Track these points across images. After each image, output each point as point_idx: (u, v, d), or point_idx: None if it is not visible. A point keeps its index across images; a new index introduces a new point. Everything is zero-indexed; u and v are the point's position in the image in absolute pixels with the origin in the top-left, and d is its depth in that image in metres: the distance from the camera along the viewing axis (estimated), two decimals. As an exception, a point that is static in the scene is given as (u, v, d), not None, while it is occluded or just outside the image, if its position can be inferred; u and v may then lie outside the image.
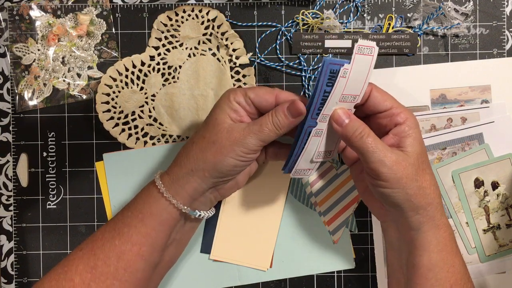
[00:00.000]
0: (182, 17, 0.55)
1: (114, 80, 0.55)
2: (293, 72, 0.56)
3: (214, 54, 0.56)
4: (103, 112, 0.55)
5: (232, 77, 0.56)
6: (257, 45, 0.56)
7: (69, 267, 0.44)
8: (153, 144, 0.56)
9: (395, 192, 0.43)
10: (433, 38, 0.56)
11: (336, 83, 0.42)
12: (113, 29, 0.56)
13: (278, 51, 0.56)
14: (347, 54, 0.55)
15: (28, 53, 0.56)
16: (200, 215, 0.47)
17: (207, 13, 0.55)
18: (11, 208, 0.57)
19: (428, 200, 0.43)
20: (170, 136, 0.56)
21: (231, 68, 0.56)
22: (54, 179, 0.57)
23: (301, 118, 0.44)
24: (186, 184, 0.45)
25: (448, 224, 0.45)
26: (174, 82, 0.56)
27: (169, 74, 0.56)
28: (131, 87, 0.56)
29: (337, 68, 0.42)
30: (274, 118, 0.44)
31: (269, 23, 0.56)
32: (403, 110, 0.45)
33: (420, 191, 0.43)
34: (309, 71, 0.56)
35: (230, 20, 0.56)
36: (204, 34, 0.56)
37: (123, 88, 0.56)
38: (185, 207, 0.46)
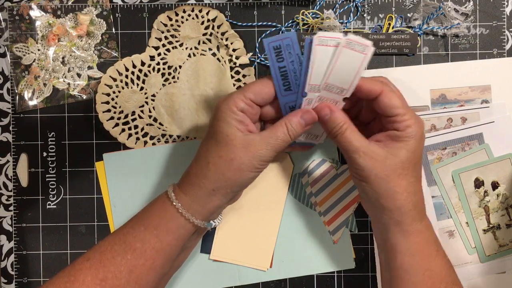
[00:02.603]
0: (182, 17, 0.55)
1: (114, 80, 0.55)
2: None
3: (214, 54, 0.56)
4: (103, 112, 0.55)
5: (232, 77, 0.56)
6: (257, 45, 0.56)
7: (76, 277, 0.43)
8: (153, 144, 0.56)
9: (365, 186, 0.44)
10: (433, 38, 0.56)
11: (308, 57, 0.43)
12: (113, 29, 0.56)
13: (278, 51, 0.56)
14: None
15: (28, 53, 0.56)
16: (214, 225, 0.48)
17: (207, 13, 0.55)
18: (11, 208, 0.57)
19: (396, 204, 0.43)
20: (170, 136, 0.56)
21: (231, 68, 0.56)
22: (54, 179, 0.57)
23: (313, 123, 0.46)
24: (208, 203, 0.45)
25: (424, 230, 0.45)
26: (174, 82, 0.56)
27: (169, 74, 0.56)
28: (131, 87, 0.56)
29: (278, 44, 0.44)
30: (290, 128, 0.45)
31: (269, 23, 0.56)
32: (408, 119, 0.44)
33: (388, 192, 0.43)
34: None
35: (230, 20, 0.56)
36: (204, 34, 0.56)
37: (123, 88, 0.56)
38: (204, 223, 0.46)
